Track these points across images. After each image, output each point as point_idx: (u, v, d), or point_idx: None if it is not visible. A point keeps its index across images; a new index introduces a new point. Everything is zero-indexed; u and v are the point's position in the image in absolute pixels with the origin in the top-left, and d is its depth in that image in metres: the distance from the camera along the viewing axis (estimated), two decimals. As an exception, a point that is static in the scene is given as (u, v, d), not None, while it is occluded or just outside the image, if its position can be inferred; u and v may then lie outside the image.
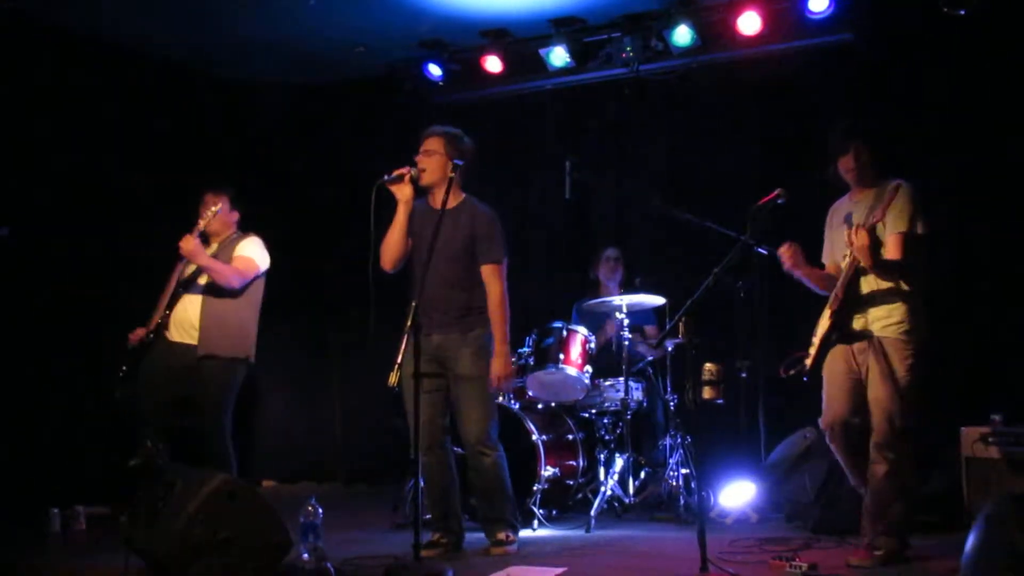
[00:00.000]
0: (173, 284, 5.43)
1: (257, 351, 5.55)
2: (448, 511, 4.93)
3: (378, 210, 4.53)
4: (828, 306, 4.47)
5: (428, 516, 5.19)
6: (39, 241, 6.34)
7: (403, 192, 4.80)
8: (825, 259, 4.75)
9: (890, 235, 4.35)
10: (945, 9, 5.88)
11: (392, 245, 4.86)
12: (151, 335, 5.34)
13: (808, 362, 4.48)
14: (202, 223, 5.36)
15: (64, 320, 6.38)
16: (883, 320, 4.37)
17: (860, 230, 4.26)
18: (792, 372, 4.53)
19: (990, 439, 5.11)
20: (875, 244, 4.29)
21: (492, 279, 4.88)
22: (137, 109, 7.02)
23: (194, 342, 5.31)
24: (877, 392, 4.35)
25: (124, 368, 5.28)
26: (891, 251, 4.34)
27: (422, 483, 5.44)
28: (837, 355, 4.50)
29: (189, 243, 5.24)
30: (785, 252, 4.60)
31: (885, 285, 4.38)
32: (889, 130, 6.19)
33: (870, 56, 6.42)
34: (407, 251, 4.92)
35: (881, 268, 4.33)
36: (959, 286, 5.96)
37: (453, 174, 4.70)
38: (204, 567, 3.82)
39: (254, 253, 5.50)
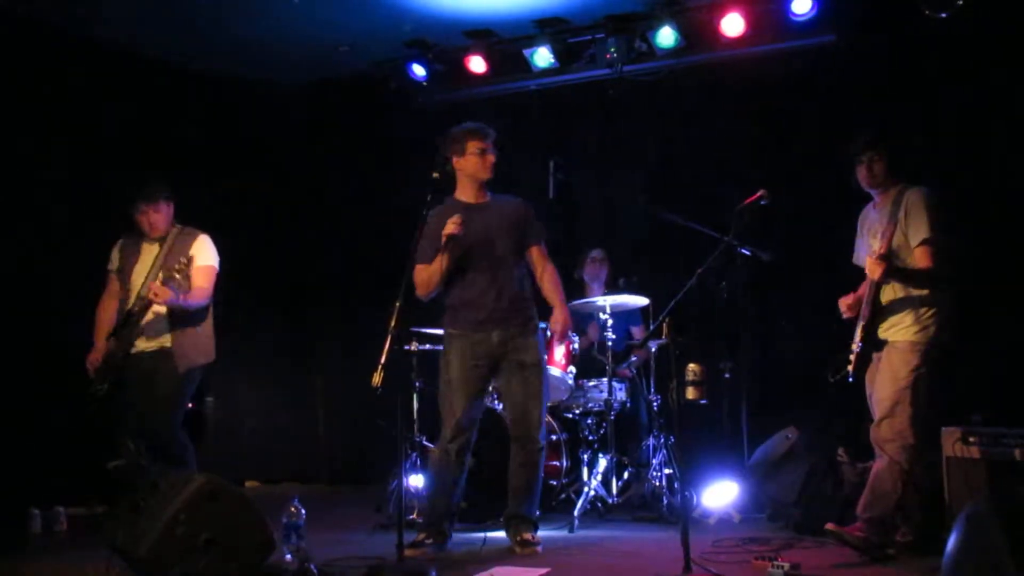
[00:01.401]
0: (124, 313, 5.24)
1: (240, 352, 5.52)
2: (446, 511, 4.94)
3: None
4: (860, 317, 4.54)
5: (412, 516, 5.19)
6: (16, 238, 6.31)
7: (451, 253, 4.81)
8: (857, 261, 4.82)
9: (916, 249, 4.42)
10: (927, 12, 5.92)
11: (437, 282, 4.86)
12: (121, 351, 5.20)
13: (850, 368, 4.55)
14: (172, 276, 5.07)
15: (43, 319, 6.33)
16: (897, 325, 4.46)
17: (872, 262, 4.36)
18: (838, 377, 4.58)
19: (970, 439, 5.14)
20: (891, 265, 4.36)
21: (542, 258, 5.07)
22: (121, 106, 6.98)
23: (149, 347, 5.21)
24: (880, 392, 4.45)
25: (99, 387, 5.19)
26: (921, 262, 4.40)
27: (409, 481, 5.46)
28: (868, 373, 4.60)
29: (164, 293, 5.00)
30: (844, 305, 4.71)
31: (903, 292, 4.47)
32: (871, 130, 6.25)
33: (853, 58, 6.45)
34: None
35: (911, 281, 4.40)
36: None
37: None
38: (186, 568, 3.81)
39: (211, 258, 5.35)
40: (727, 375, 6.18)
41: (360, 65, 7.63)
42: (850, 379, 4.54)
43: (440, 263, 4.80)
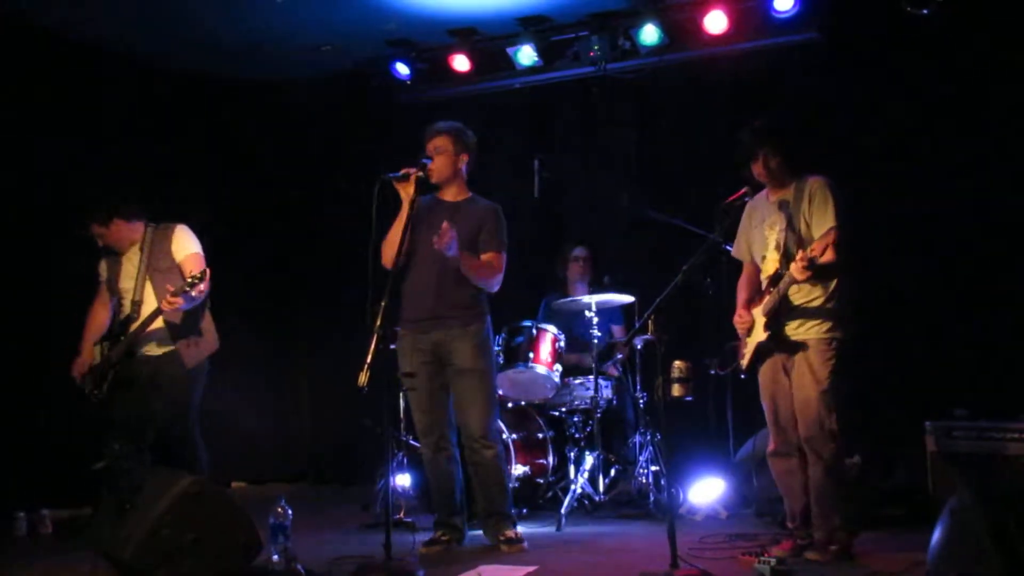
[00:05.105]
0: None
1: (224, 352, 5.47)
2: (453, 508, 4.95)
3: (378, 208, 4.54)
4: (762, 313, 4.45)
5: (399, 516, 5.17)
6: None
7: (407, 191, 4.79)
8: (737, 254, 4.79)
9: (820, 239, 4.32)
10: (908, 8, 5.94)
11: (393, 243, 4.80)
12: (109, 355, 5.18)
13: (743, 363, 4.55)
14: (193, 291, 4.96)
15: (27, 322, 6.29)
16: (807, 324, 4.38)
17: (798, 265, 4.19)
18: (729, 370, 4.58)
19: (954, 433, 5.18)
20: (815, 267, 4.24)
21: (493, 259, 4.94)
22: (102, 105, 6.94)
23: (157, 352, 5.18)
24: (804, 393, 4.36)
25: (96, 391, 5.16)
26: (826, 253, 4.26)
27: (396, 480, 5.45)
28: (770, 369, 4.53)
29: (176, 302, 4.91)
30: (738, 323, 4.66)
31: (809, 290, 4.37)
32: (853, 127, 6.28)
33: (836, 54, 6.47)
34: (407, 248, 4.86)
35: (823, 276, 4.33)
36: (921, 283, 6.03)
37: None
38: (172, 569, 3.80)
39: (193, 246, 5.28)
40: (713, 371, 6.19)
41: (344, 64, 7.61)
42: (743, 375, 4.55)
43: (399, 218, 4.80)
